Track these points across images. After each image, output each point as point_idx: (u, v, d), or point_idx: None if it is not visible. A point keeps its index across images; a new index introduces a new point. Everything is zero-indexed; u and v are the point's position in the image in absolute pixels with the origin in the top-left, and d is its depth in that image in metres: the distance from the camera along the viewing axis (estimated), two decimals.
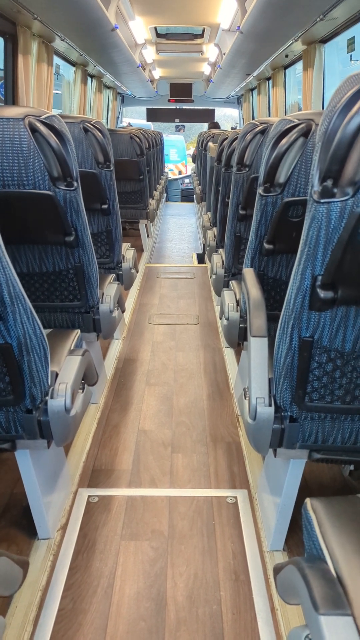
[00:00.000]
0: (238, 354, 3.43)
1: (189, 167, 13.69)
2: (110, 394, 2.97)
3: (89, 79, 7.39)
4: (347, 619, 0.85)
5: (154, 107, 12.68)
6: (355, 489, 2.20)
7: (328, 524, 1.04)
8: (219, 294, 3.09)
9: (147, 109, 12.73)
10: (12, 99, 4.62)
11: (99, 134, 2.67)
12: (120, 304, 2.75)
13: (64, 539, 1.91)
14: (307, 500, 1.12)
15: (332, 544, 1.00)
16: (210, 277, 3.82)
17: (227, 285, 3.05)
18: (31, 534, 1.91)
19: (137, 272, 3.57)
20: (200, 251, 6.92)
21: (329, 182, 1.09)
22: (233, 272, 3.01)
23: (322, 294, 1.21)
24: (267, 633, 1.57)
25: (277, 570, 1.14)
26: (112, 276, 2.83)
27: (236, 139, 3.23)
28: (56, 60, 5.67)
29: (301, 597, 0.94)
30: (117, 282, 2.78)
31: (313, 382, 1.42)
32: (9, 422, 1.59)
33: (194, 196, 10.83)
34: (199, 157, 8.75)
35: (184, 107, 12.66)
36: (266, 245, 2.04)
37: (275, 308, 2.20)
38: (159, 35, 7.62)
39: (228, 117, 14.59)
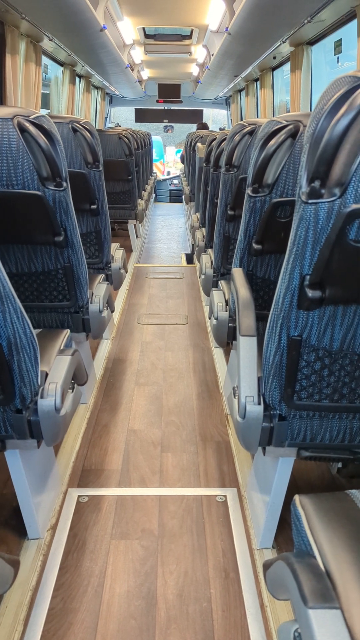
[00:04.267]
0: (227, 354, 3.45)
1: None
2: (100, 394, 2.97)
3: (77, 79, 7.37)
4: (335, 612, 0.86)
5: (142, 107, 12.68)
6: (343, 486, 2.22)
7: (316, 520, 1.06)
8: (207, 293, 3.10)
9: (136, 110, 12.73)
10: None
11: (88, 134, 2.67)
12: (109, 304, 2.76)
13: (54, 539, 1.91)
14: (296, 497, 1.14)
15: (321, 539, 1.01)
16: (199, 277, 3.83)
17: (216, 285, 3.07)
18: (21, 534, 1.91)
19: (126, 272, 3.57)
20: (189, 251, 6.94)
21: (317, 183, 1.11)
22: (222, 272, 3.03)
23: (310, 293, 1.23)
24: (257, 629, 1.58)
25: (267, 566, 1.15)
26: (101, 276, 2.84)
27: (224, 139, 3.25)
28: (44, 60, 5.65)
29: (290, 592, 0.95)
30: (107, 282, 2.78)
31: (301, 380, 1.43)
32: None
33: (183, 197, 10.85)
34: (188, 157, 8.77)
35: (172, 108, 12.68)
36: (255, 246, 2.05)
37: (264, 308, 2.21)
38: (147, 36, 7.62)
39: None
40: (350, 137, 1.05)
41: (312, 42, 4.97)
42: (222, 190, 2.77)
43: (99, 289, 2.62)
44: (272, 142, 1.82)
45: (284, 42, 4.96)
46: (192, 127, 12.70)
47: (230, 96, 10.46)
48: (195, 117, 12.75)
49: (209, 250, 3.48)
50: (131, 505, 2.09)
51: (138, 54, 8.71)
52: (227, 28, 4.95)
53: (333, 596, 0.89)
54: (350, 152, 1.05)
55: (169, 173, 13.95)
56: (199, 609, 1.65)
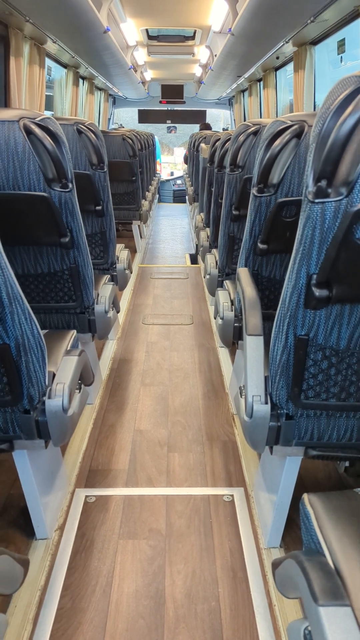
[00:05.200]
0: (232, 354, 3.45)
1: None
2: (106, 394, 2.98)
3: (80, 80, 7.39)
4: (345, 609, 0.87)
5: (145, 108, 12.70)
6: (350, 485, 2.22)
7: (325, 518, 1.06)
8: (212, 293, 3.10)
9: (139, 111, 12.74)
10: (4, 101, 4.61)
11: (93, 136, 2.68)
12: (115, 304, 2.77)
13: (62, 539, 1.92)
14: (305, 496, 1.14)
15: (330, 537, 1.01)
16: (204, 277, 3.83)
17: (221, 285, 3.07)
18: (29, 534, 1.92)
19: (131, 272, 3.58)
20: (193, 252, 6.94)
21: (323, 183, 1.11)
22: (227, 272, 3.03)
23: (317, 292, 1.23)
24: (265, 628, 1.58)
25: (276, 564, 1.16)
26: (106, 277, 2.84)
27: (228, 140, 3.25)
28: (48, 62, 5.67)
29: (300, 590, 0.95)
30: (112, 283, 2.79)
31: (309, 379, 1.44)
32: (7, 423, 1.60)
33: (186, 197, 10.86)
34: (191, 158, 8.77)
35: (175, 109, 12.69)
36: (260, 245, 2.06)
37: (269, 307, 2.22)
38: (150, 37, 7.63)
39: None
40: (356, 137, 1.05)
41: (315, 42, 4.97)
42: (226, 191, 2.78)
43: (105, 289, 2.62)
44: (277, 142, 1.82)
45: (287, 42, 4.95)
46: (196, 128, 12.70)
47: (234, 96, 10.46)
48: (198, 117, 12.74)
49: (214, 250, 3.49)
50: (138, 505, 2.09)
51: (141, 55, 8.72)
52: (230, 29, 4.95)
53: (343, 594, 0.89)
54: (357, 152, 1.05)
55: (172, 174, 13.91)
56: (208, 609, 1.65)
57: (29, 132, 1.80)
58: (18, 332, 1.43)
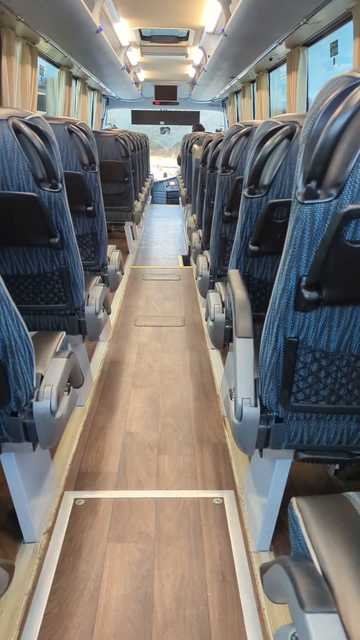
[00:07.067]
0: (224, 356, 3.44)
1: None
2: (96, 396, 2.96)
3: (73, 81, 7.37)
4: (332, 616, 0.85)
5: (139, 109, 12.69)
6: (340, 488, 2.21)
7: (314, 522, 1.05)
8: (204, 295, 3.09)
9: (132, 112, 12.74)
10: None
11: (84, 136, 2.66)
12: (105, 306, 2.75)
13: (50, 543, 1.90)
14: (293, 500, 1.13)
15: (318, 542, 1.00)
16: (196, 278, 3.81)
17: (212, 287, 3.06)
18: (17, 537, 1.90)
19: (123, 274, 3.56)
20: (186, 253, 6.93)
21: (313, 184, 1.10)
22: (218, 273, 3.02)
23: (306, 294, 1.22)
24: (254, 633, 1.57)
25: (264, 569, 1.14)
26: (97, 278, 2.83)
27: (221, 141, 3.24)
28: (41, 61, 5.64)
29: (287, 596, 0.94)
30: (103, 284, 2.77)
31: (298, 382, 1.43)
32: None
33: (179, 198, 10.84)
34: (184, 159, 8.77)
35: (169, 110, 12.69)
36: (251, 247, 2.05)
37: (260, 309, 2.21)
38: (143, 37, 7.62)
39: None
40: (346, 137, 1.04)
41: (308, 44, 4.98)
42: (218, 192, 2.77)
43: (95, 290, 2.60)
44: (268, 143, 1.81)
45: (280, 44, 4.96)
46: (189, 129, 12.70)
47: (227, 98, 10.47)
48: (192, 118, 12.75)
49: (206, 252, 3.48)
50: (128, 508, 2.08)
51: (134, 56, 8.71)
52: (223, 29, 4.95)
53: (331, 600, 0.88)
54: (347, 152, 1.04)
55: (165, 175, 13.90)
56: (196, 613, 1.64)
57: (17, 131, 1.78)
58: (4, 334, 1.41)
